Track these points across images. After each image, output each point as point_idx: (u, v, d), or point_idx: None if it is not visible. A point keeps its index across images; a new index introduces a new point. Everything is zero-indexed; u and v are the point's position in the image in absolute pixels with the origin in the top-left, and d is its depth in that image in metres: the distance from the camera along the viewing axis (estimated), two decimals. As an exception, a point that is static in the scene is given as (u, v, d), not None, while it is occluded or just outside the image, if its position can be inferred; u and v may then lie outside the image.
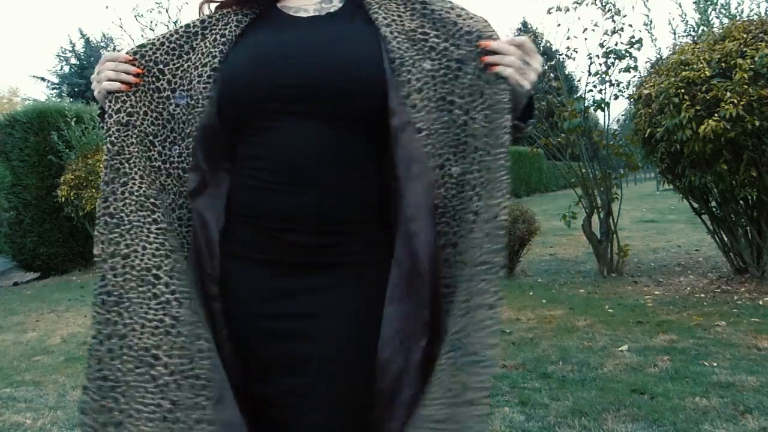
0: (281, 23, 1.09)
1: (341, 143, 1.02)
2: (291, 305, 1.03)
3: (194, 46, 1.10)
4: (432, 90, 1.03)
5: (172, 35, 1.12)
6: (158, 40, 1.12)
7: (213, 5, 1.16)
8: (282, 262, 1.04)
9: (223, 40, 1.08)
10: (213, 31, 1.10)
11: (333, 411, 1.00)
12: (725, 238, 5.17)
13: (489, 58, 0.99)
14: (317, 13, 1.09)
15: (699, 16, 6.29)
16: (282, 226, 1.03)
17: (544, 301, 4.94)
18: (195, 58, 1.09)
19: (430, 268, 1.00)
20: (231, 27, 1.09)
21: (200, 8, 1.15)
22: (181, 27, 1.13)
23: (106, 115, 1.08)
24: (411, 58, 1.02)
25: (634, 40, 5.64)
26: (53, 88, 24.07)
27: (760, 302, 4.33)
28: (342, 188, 1.03)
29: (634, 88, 5.60)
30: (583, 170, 5.97)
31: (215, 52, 1.07)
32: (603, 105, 5.83)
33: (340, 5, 1.11)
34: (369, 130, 1.04)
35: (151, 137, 1.09)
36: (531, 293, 5.30)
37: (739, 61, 4.25)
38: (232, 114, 1.05)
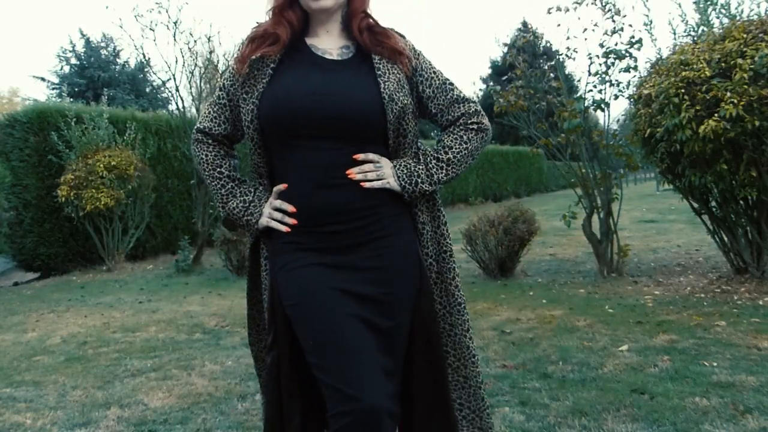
0: (314, 62, 1.44)
1: (350, 158, 1.40)
2: (343, 274, 1.38)
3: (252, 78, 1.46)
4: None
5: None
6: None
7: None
8: (324, 249, 1.40)
9: (268, 71, 1.43)
10: (261, 66, 1.44)
11: (395, 353, 1.41)
12: (725, 238, 5.17)
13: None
14: (339, 58, 1.45)
15: (699, 16, 6.28)
16: (319, 222, 1.40)
17: (544, 301, 4.94)
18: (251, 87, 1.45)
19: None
20: (273, 60, 1.44)
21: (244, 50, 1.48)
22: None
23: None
24: (398, 100, 1.42)
25: (634, 40, 5.64)
26: (53, 88, 23.97)
27: (760, 302, 4.33)
28: (364, 191, 1.40)
29: (634, 88, 5.59)
30: (583, 170, 5.97)
31: (263, 82, 1.43)
32: (603, 105, 5.82)
33: (354, 52, 1.47)
34: (378, 145, 1.45)
35: None
36: (531, 293, 5.30)
37: (739, 61, 4.25)
38: (278, 133, 1.41)
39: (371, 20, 1.47)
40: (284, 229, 1.41)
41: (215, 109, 1.51)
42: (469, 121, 1.51)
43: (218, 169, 1.53)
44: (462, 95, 1.53)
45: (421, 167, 1.46)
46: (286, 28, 1.43)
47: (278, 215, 1.43)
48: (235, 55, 1.48)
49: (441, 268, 1.50)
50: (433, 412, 1.46)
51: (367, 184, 1.39)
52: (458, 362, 1.51)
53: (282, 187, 1.43)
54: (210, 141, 1.53)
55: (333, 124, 1.37)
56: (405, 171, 1.44)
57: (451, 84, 1.53)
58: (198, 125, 1.53)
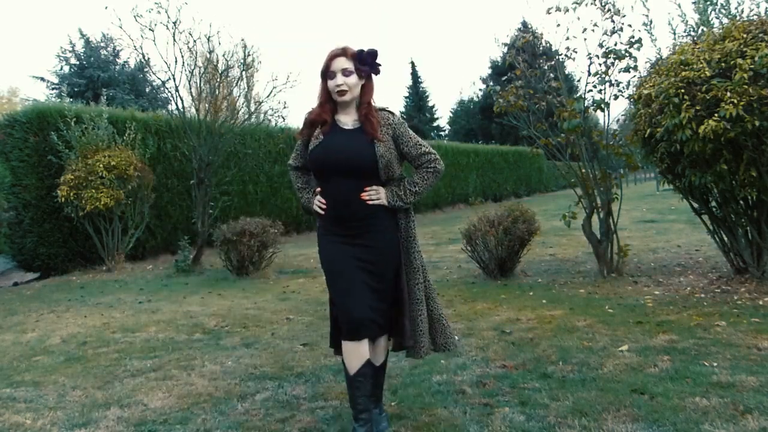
0: (337, 131, 2.51)
1: (360, 187, 2.46)
2: (350, 248, 2.46)
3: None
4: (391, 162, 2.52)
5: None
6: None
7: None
8: (344, 234, 2.49)
9: (319, 137, 2.52)
10: (316, 137, 2.54)
11: (370, 283, 2.45)
12: (725, 238, 5.17)
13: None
14: (352, 127, 2.51)
15: (698, 16, 6.28)
16: (340, 222, 2.49)
17: (544, 301, 4.94)
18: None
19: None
20: (319, 133, 2.53)
21: (305, 127, 2.60)
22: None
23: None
24: (385, 156, 2.47)
25: (633, 40, 5.64)
26: (53, 88, 23.97)
27: (760, 302, 4.33)
28: (364, 206, 2.47)
29: (634, 88, 5.59)
30: (583, 170, 5.97)
31: (314, 143, 2.53)
32: (603, 105, 5.82)
33: (360, 124, 2.50)
34: (374, 180, 2.48)
35: None
36: (531, 293, 5.30)
37: (739, 61, 4.24)
38: (315, 173, 2.57)
39: (370, 108, 2.50)
40: (320, 211, 2.52)
41: (296, 153, 2.69)
42: (430, 166, 2.54)
43: (298, 183, 2.70)
44: (426, 150, 2.54)
45: (401, 193, 2.51)
46: (329, 114, 2.51)
47: (317, 203, 2.55)
48: (300, 128, 2.63)
49: (408, 246, 2.56)
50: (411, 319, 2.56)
51: (371, 202, 2.47)
52: (410, 302, 2.54)
53: (318, 190, 2.57)
54: (296, 170, 2.71)
55: (343, 169, 2.45)
56: (392, 195, 2.51)
57: (420, 144, 2.54)
58: (290, 162, 2.74)
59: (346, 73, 2.43)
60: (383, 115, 2.52)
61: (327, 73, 2.47)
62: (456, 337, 2.64)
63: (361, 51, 2.47)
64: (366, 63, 2.47)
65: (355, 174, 2.43)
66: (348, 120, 2.50)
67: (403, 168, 2.59)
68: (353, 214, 2.44)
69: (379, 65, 2.52)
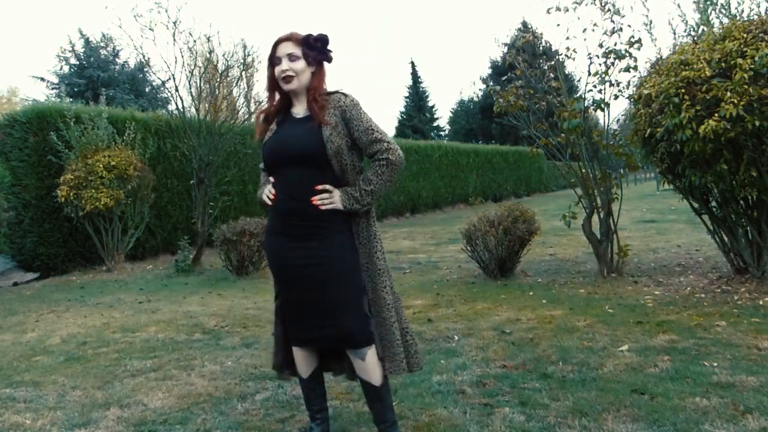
0: (288, 122, 2.37)
1: (312, 178, 2.26)
2: (297, 252, 2.28)
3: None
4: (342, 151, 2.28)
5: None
6: None
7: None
8: (291, 234, 2.29)
9: (269, 134, 2.40)
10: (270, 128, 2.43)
11: (322, 294, 2.26)
12: (725, 238, 5.17)
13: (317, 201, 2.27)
14: (303, 115, 2.34)
15: (699, 16, 6.28)
16: (289, 218, 2.29)
17: (544, 301, 4.94)
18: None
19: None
20: (273, 125, 2.42)
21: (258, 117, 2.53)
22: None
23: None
24: (334, 141, 2.24)
25: (633, 40, 5.64)
26: (53, 88, 23.96)
27: (760, 302, 4.32)
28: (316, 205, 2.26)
29: (634, 88, 5.58)
30: (583, 170, 5.97)
31: (266, 137, 2.42)
32: (603, 105, 5.82)
33: (308, 113, 2.32)
34: (327, 170, 2.26)
35: None
36: (531, 293, 5.30)
37: (739, 61, 4.24)
38: (266, 165, 2.39)
39: (317, 95, 2.30)
40: (268, 201, 2.34)
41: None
42: (381, 157, 2.25)
43: (262, 179, 2.47)
44: (378, 137, 2.26)
45: (357, 194, 2.25)
46: (276, 106, 2.41)
47: (266, 193, 2.36)
48: (257, 124, 2.50)
49: (370, 247, 2.32)
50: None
51: (323, 207, 2.24)
52: (378, 308, 2.31)
53: (272, 179, 2.37)
54: (263, 170, 2.47)
55: (291, 159, 2.27)
56: (347, 197, 2.25)
57: (372, 129, 2.26)
58: (260, 164, 2.52)
59: (291, 58, 2.28)
60: (335, 97, 2.31)
61: (273, 59, 2.33)
62: (420, 355, 2.43)
63: (309, 35, 2.31)
64: (313, 48, 2.30)
65: (305, 162, 2.22)
66: (300, 110, 2.35)
67: (363, 161, 2.37)
68: (304, 210, 2.23)
69: (330, 52, 2.35)
